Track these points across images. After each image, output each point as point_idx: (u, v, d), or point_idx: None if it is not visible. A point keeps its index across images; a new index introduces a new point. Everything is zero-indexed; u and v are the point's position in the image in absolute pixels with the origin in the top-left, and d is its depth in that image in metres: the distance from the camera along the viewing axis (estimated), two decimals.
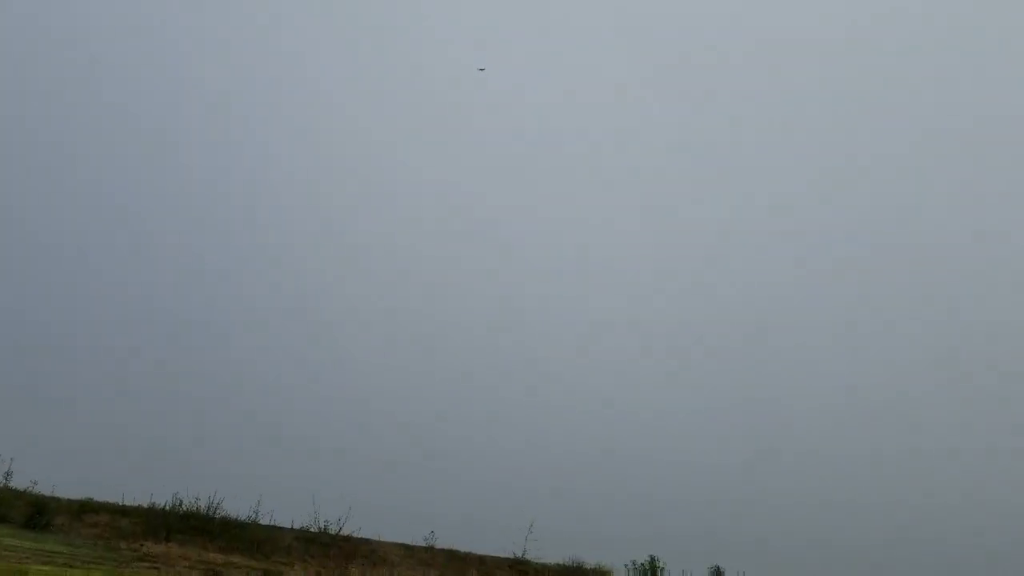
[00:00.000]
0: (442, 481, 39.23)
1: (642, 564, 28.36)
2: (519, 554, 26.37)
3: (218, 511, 22.99)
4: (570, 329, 50.79)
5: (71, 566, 17.90)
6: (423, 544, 25.34)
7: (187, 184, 47.69)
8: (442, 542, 25.69)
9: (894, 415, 48.09)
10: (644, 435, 47.05)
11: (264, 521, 23.57)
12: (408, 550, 24.64)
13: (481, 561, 25.57)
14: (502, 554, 26.37)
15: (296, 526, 23.86)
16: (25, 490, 21.61)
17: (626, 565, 28.27)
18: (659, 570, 28.18)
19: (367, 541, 24.22)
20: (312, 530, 23.80)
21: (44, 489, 21.90)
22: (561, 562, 26.74)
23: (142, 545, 20.64)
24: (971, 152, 52.43)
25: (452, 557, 25.06)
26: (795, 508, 43.99)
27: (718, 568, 28.93)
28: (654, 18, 56.27)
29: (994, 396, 45.93)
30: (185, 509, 22.71)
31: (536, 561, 26.48)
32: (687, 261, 54.09)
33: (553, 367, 48.89)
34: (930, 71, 52.95)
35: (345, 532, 24.06)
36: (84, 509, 21.66)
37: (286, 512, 24.41)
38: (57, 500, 21.71)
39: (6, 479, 21.73)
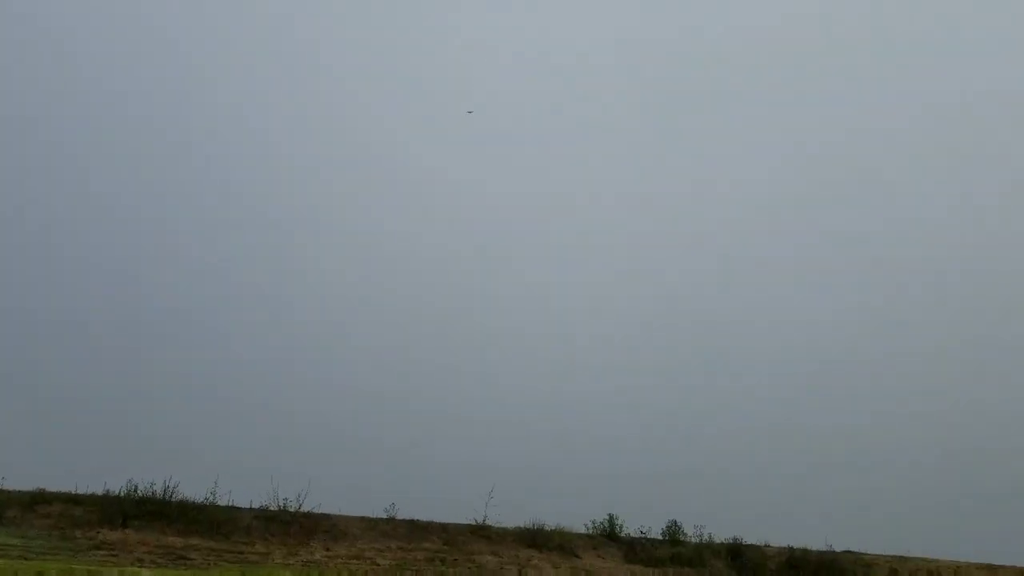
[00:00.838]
0: (402, 453, 39.43)
1: (601, 523, 28.90)
2: (480, 520, 26.68)
3: (174, 494, 22.93)
4: (529, 296, 51.12)
5: (25, 558, 17.75)
6: (384, 516, 25.49)
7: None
8: (403, 513, 25.88)
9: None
10: (603, 401, 47.71)
11: (222, 502, 23.54)
12: (369, 523, 24.77)
13: (443, 529, 25.79)
14: (463, 522, 26.66)
15: (255, 505, 23.85)
16: None
17: (585, 525, 28.80)
18: (617, 527, 28.73)
19: (327, 516, 24.29)
20: (272, 508, 23.79)
21: None
22: (522, 526, 27.08)
23: (98, 533, 20.51)
24: None
25: (413, 527, 25.24)
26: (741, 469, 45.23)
27: (675, 522, 29.56)
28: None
29: None
30: (141, 494, 22.59)
31: (497, 526, 26.80)
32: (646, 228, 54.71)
33: (512, 337, 49.23)
34: None
35: (305, 509, 24.09)
36: (36, 500, 21.40)
37: (244, 492, 24.42)
38: (7, 492, 21.43)
39: None
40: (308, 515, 23.87)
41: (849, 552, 30.08)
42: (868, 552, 30.42)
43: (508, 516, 27.25)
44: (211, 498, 23.36)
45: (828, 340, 51.83)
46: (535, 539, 26.46)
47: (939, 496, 45.11)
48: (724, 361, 50.14)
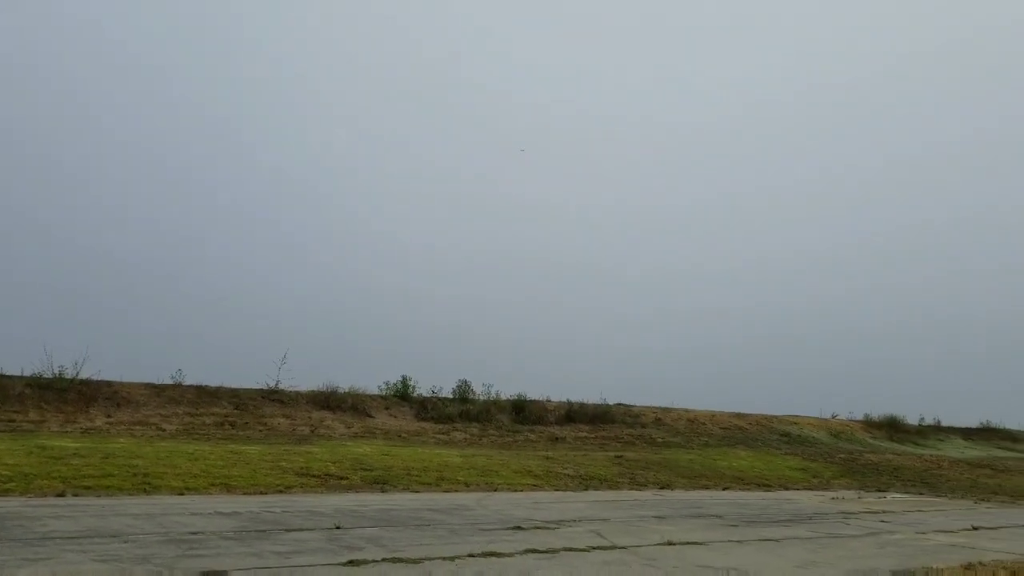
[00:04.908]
0: (188, 319, 38.50)
1: (395, 384, 29.91)
2: (272, 385, 26.89)
3: None
4: (318, 153, 50.00)
5: None
6: (171, 383, 25.14)
7: None
8: (191, 379, 25.63)
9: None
10: (392, 260, 48.34)
11: None
12: (154, 389, 24.38)
13: (233, 394, 25.82)
14: (255, 386, 26.77)
15: (27, 373, 22.79)
16: None
17: (379, 387, 29.71)
18: (410, 388, 29.87)
19: (109, 384, 23.67)
20: (46, 376, 22.84)
21: None
22: (315, 388, 27.57)
23: None
24: None
25: (202, 392, 25.11)
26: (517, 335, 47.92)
27: (465, 381, 31.08)
28: None
29: None
30: None
31: (290, 390, 27.13)
32: None
33: (307, 194, 48.28)
34: None
35: (84, 376, 23.33)
36: None
37: (14, 360, 23.29)
38: None
39: None
40: (87, 382, 23.15)
41: (621, 404, 32.94)
42: (637, 404, 33.48)
43: (302, 380, 27.67)
44: None
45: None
46: (328, 401, 27.09)
47: (696, 358, 50.09)
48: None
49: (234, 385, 26.22)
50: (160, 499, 14.28)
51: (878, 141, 60.64)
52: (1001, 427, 42.85)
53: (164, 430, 21.54)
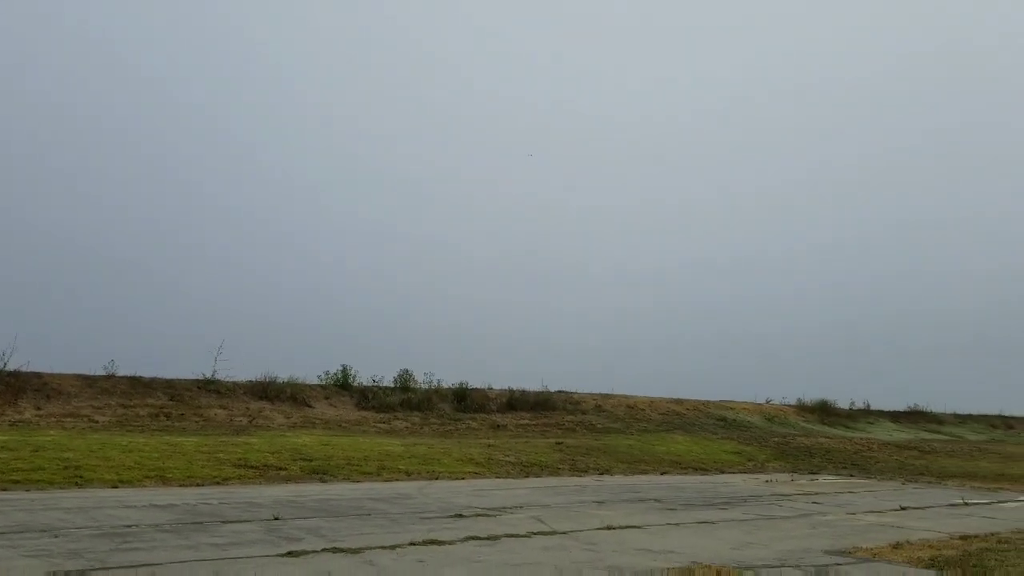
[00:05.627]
0: (122, 309, 37.61)
1: (335, 374, 29.63)
2: (209, 375, 26.42)
3: None
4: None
5: None
6: (103, 374, 24.53)
7: None
8: (125, 370, 25.04)
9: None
10: (332, 242, 47.93)
11: None
12: (86, 380, 23.76)
13: (168, 385, 25.31)
14: (191, 377, 26.27)
15: None
16: None
17: (319, 376, 29.38)
18: (351, 377, 29.63)
19: (38, 375, 22.98)
20: None
21: None
22: (253, 379, 27.17)
23: None
24: None
25: (136, 383, 24.56)
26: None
27: (407, 370, 30.95)
28: None
29: None
30: None
31: (227, 380, 26.69)
32: None
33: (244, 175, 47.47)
34: None
35: (12, 367, 22.60)
36: None
37: None
38: None
39: None
40: (15, 374, 22.44)
41: (562, 392, 33.18)
42: (578, 391, 33.77)
43: (240, 370, 27.23)
44: None
45: None
46: (267, 391, 26.73)
47: (637, 345, 50.83)
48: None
49: (169, 376, 25.70)
50: (93, 492, 13.95)
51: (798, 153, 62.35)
52: (928, 410, 44.27)
53: (97, 422, 21.03)
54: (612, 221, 59.86)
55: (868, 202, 61.95)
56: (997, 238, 62.16)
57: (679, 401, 35.56)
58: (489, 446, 23.75)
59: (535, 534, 11.50)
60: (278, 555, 9.27)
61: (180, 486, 15.31)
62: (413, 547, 10.07)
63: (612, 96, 61.82)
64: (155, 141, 45.52)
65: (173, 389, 25.04)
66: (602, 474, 21.79)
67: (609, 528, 12.37)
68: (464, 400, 30.26)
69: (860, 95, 62.90)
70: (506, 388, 31.82)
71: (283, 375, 27.86)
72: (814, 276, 59.77)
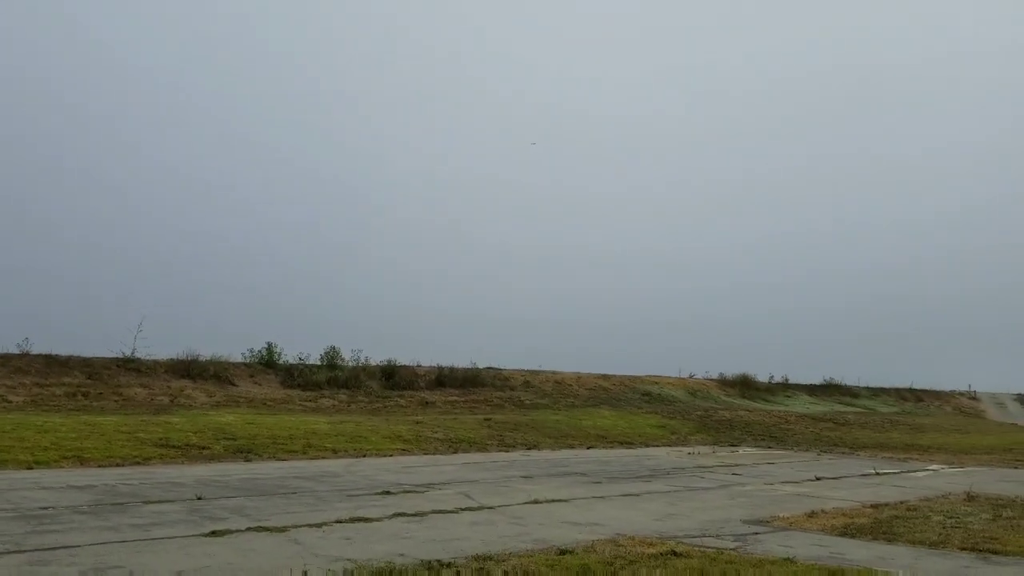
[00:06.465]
0: (37, 285, 36.31)
1: (260, 352, 29.16)
2: (128, 353, 25.73)
3: None
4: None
5: None
6: (16, 352, 23.69)
7: None
8: (40, 348, 24.22)
9: None
10: (254, 224, 47.10)
11: None
12: None
13: (86, 363, 24.57)
14: (110, 355, 25.55)
15: None
16: None
17: (243, 354, 28.89)
18: (276, 355, 29.20)
19: None
20: None
21: None
22: (175, 357, 26.55)
23: None
24: None
25: (51, 362, 23.77)
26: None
27: (334, 347, 30.65)
28: None
29: None
30: None
31: (148, 358, 26.05)
32: None
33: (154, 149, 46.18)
34: None
35: None
36: None
37: None
38: None
39: None
40: None
41: (491, 368, 33.34)
42: (507, 368, 33.97)
43: (161, 348, 26.58)
44: None
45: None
46: (189, 370, 26.16)
47: (564, 325, 51.47)
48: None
49: (87, 354, 24.94)
50: (6, 474, 13.52)
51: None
52: (842, 383, 45.86)
53: (11, 402, 20.33)
54: (535, 200, 60.37)
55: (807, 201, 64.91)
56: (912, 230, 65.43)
57: (606, 377, 36.08)
58: (417, 423, 23.76)
59: (463, 510, 11.59)
60: (201, 535, 9.15)
61: (99, 467, 14.95)
62: (340, 525, 10.05)
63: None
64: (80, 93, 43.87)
65: (91, 367, 24.33)
66: (530, 449, 22.02)
67: (536, 502, 12.54)
68: (392, 377, 30.14)
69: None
70: (435, 365, 31.81)
71: (206, 353, 27.30)
72: (743, 271, 62.10)
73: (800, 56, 64.58)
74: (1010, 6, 68.45)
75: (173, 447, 17.17)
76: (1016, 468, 21.54)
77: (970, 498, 14.29)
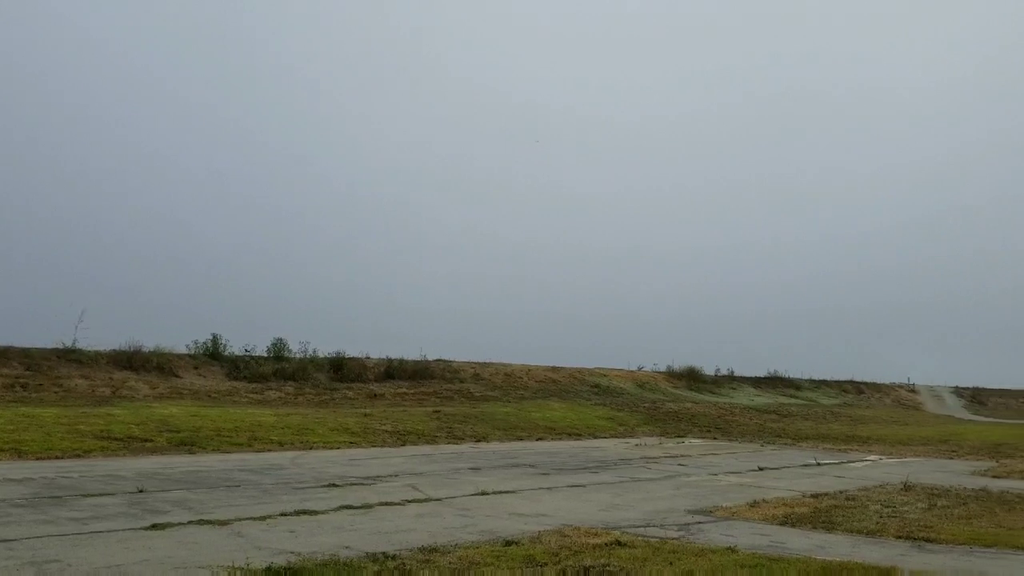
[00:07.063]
0: None
1: (204, 343, 28.69)
2: (69, 344, 25.13)
3: None
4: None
5: None
6: None
7: None
8: None
9: None
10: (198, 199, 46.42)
11: None
12: None
13: (24, 354, 23.93)
14: (50, 346, 24.93)
15: None
16: None
17: (188, 346, 28.40)
18: (221, 347, 28.77)
19: None
20: None
21: None
22: (117, 348, 26.02)
23: None
24: None
25: None
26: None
27: (281, 339, 30.29)
28: None
29: None
30: None
31: (89, 349, 25.47)
32: None
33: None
34: None
35: None
36: None
37: None
38: None
39: None
40: None
41: (440, 360, 33.27)
42: (456, 360, 33.93)
43: (102, 339, 26.00)
44: None
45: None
46: (131, 361, 25.64)
47: (514, 316, 51.71)
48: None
49: (26, 344, 24.29)
50: None
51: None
52: (786, 376, 46.72)
53: None
54: (484, 191, 60.59)
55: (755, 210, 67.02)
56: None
57: (555, 369, 36.26)
58: (365, 415, 23.63)
59: (409, 502, 11.58)
60: (142, 528, 9.00)
61: (37, 459, 14.60)
62: (284, 517, 9.97)
63: None
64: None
65: (30, 358, 23.71)
66: (479, 441, 22.05)
67: (483, 494, 12.57)
68: (341, 369, 29.90)
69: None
70: (384, 357, 31.62)
71: (149, 344, 26.80)
72: (688, 269, 63.33)
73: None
74: None
75: (114, 439, 16.84)
76: (951, 459, 22.18)
77: (907, 488, 14.69)
